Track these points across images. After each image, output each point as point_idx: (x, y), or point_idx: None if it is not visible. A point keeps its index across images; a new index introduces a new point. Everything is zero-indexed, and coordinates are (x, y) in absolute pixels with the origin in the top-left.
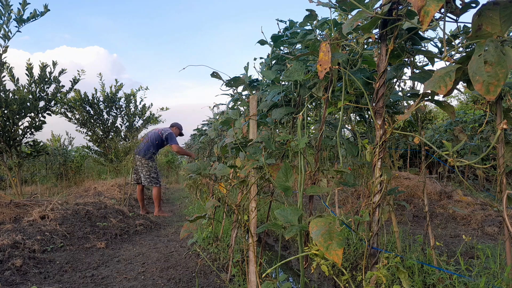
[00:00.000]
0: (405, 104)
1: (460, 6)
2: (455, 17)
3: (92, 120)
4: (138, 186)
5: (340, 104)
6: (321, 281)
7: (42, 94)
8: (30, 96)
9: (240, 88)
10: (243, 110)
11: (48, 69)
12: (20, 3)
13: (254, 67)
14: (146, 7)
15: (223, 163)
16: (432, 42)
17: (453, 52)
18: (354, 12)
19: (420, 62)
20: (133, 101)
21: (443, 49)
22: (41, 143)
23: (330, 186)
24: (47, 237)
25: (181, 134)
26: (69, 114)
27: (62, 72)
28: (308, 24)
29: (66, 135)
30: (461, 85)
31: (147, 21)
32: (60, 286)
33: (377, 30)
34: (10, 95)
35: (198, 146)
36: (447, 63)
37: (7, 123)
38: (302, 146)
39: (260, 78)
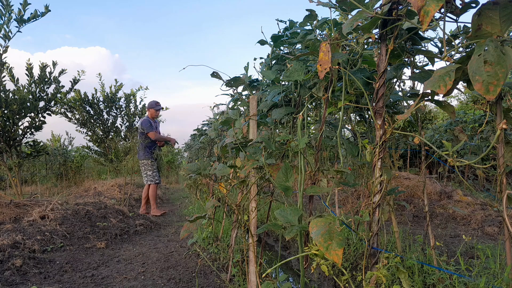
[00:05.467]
0: (405, 104)
1: (460, 6)
2: (455, 17)
3: (92, 120)
4: (146, 185)
5: (340, 104)
6: (321, 281)
7: (42, 94)
8: (30, 96)
9: (240, 88)
10: (243, 110)
11: (48, 69)
12: (20, 4)
13: (254, 67)
14: (148, 8)
15: (223, 163)
16: (432, 42)
17: (453, 52)
18: (354, 12)
19: (420, 62)
20: (133, 101)
21: (443, 49)
22: (41, 143)
23: (330, 186)
24: (47, 237)
25: (158, 110)
26: (69, 114)
27: (62, 72)
28: (308, 24)
29: (66, 135)
30: (461, 85)
31: (148, 21)
32: (60, 286)
33: (377, 30)
34: (10, 95)
35: (198, 146)
36: (447, 63)
37: (7, 123)
38: (302, 146)
39: (260, 78)
